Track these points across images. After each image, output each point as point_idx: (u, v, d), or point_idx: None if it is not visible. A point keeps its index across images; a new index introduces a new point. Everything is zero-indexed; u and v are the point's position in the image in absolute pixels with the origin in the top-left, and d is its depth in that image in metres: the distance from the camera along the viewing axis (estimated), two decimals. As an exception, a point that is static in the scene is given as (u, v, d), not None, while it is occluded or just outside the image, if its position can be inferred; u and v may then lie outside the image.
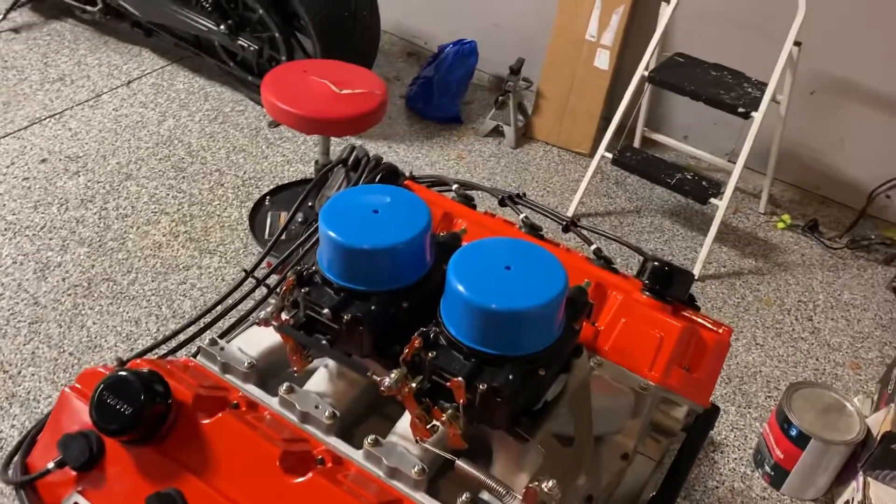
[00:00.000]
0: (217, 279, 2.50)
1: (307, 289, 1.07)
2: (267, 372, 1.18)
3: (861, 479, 1.94)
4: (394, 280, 1.07)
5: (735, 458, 2.16)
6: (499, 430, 1.02)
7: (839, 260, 2.96)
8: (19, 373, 2.12)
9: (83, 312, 2.33)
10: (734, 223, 3.09)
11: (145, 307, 2.38)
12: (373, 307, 1.04)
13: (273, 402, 1.11)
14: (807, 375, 2.43)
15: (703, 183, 2.81)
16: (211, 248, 2.63)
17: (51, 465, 0.98)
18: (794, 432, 1.98)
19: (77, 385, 1.06)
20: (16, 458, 1.04)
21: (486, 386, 0.94)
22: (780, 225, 3.08)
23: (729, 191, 2.71)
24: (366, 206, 1.08)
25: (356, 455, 1.05)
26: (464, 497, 0.98)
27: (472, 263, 1.00)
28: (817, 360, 2.51)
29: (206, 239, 2.67)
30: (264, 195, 2.83)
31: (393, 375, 0.98)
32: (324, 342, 1.07)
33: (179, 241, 2.64)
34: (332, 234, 1.04)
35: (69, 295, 2.38)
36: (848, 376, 2.46)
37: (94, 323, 2.30)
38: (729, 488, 2.08)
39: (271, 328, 1.15)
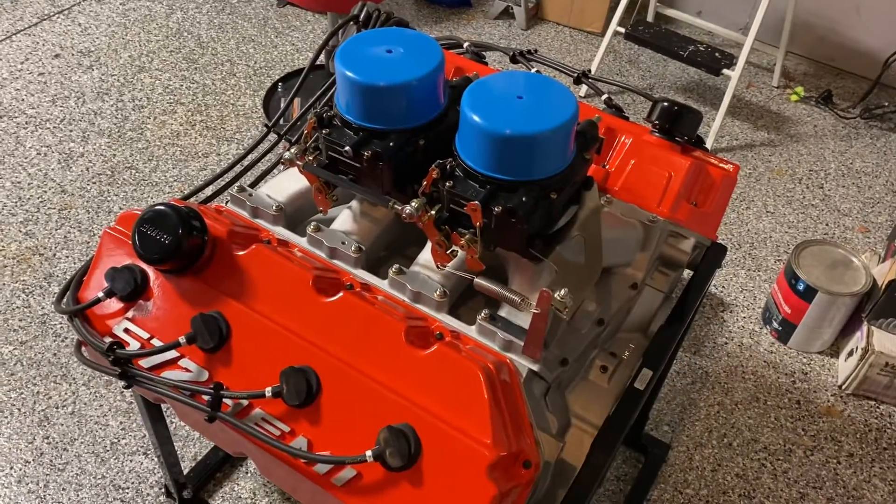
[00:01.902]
0: (236, 164, 2.55)
1: (327, 130, 1.12)
2: (294, 217, 1.24)
3: (865, 328, 2.02)
4: (410, 118, 1.11)
5: (744, 317, 2.24)
6: (514, 253, 1.09)
7: (852, 130, 2.95)
8: (54, 255, 2.22)
9: (109, 199, 2.40)
10: (747, 97, 3.08)
11: (168, 192, 2.44)
12: (391, 144, 1.09)
13: (302, 241, 1.18)
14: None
15: (716, 54, 2.78)
16: (228, 135, 2.68)
17: (100, 294, 1.06)
18: (801, 287, 2.04)
19: (117, 226, 1.13)
20: (68, 294, 1.12)
21: (501, 208, 1.00)
22: (794, 97, 3.07)
23: (741, 60, 2.70)
24: (380, 47, 1.11)
25: (382, 284, 1.12)
26: (483, 313, 1.06)
27: (485, 95, 1.04)
28: (827, 224, 2.55)
29: (222, 127, 2.71)
30: (276, 82, 2.84)
31: (413, 203, 1.04)
32: (347, 179, 1.13)
33: (196, 129, 2.68)
34: (348, 73, 1.08)
35: (94, 183, 2.45)
36: (857, 239, 2.51)
37: (121, 208, 2.37)
38: (738, 344, 2.17)
39: (296, 175, 1.21)
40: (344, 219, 1.20)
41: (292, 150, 1.13)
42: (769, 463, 1.90)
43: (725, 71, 2.72)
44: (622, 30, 2.87)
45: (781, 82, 3.14)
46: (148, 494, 1.72)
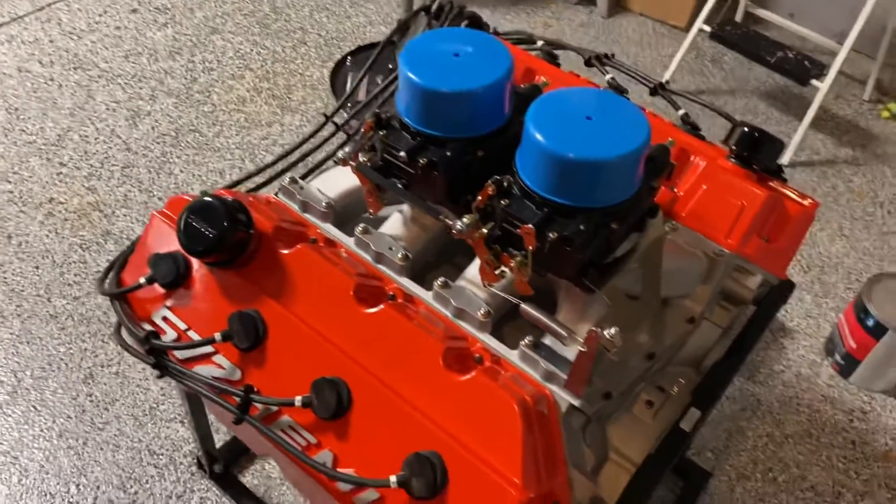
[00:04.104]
0: (298, 136, 2.54)
1: (384, 132, 1.08)
2: (344, 214, 1.21)
3: (935, 374, 1.90)
4: (471, 127, 1.06)
5: (805, 346, 2.14)
6: (565, 280, 1.03)
7: (946, 154, 2.77)
8: (113, 213, 2.25)
9: (171, 160, 2.42)
10: (834, 110, 2.91)
11: (229, 159, 2.45)
12: (448, 153, 1.04)
13: (349, 241, 1.14)
14: (894, 270, 2.34)
15: (806, 63, 2.63)
16: (293, 105, 2.66)
17: (142, 279, 1.05)
18: (870, 322, 1.93)
19: (165, 210, 1.11)
20: (111, 275, 1.11)
21: (556, 235, 0.94)
22: (885, 114, 2.89)
23: (833, 72, 2.54)
24: (447, 50, 1.06)
25: (425, 295, 1.08)
26: (526, 340, 1.01)
27: (552, 112, 0.98)
28: (906, 255, 2.41)
29: (287, 97, 2.69)
30: (346, 55, 2.81)
31: (465, 220, 0.99)
32: (399, 185, 1.09)
33: (262, 97, 2.68)
34: (411, 75, 1.03)
35: (158, 143, 2.47)
36: (937, 274, 2.36)
37: (182, 171, 2.39)
38: (795, 373, 2.07)
39: (349, 171, 1.17)
40: (393, 223, 1.16)
41: (346, 150, 1.09)
42: (815, 504, 1.81)
43: (814, 82, 2.57)
44: (708, 28, 2.74)
45: (874, 96, 2.96)
46: (181, 463, 1.74)
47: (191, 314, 1.05)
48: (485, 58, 1.06)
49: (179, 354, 1.04)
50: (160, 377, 1.03)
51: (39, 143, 2.43)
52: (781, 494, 1.82)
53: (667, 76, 2.86)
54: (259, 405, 0.98)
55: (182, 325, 1.05)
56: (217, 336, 0.99)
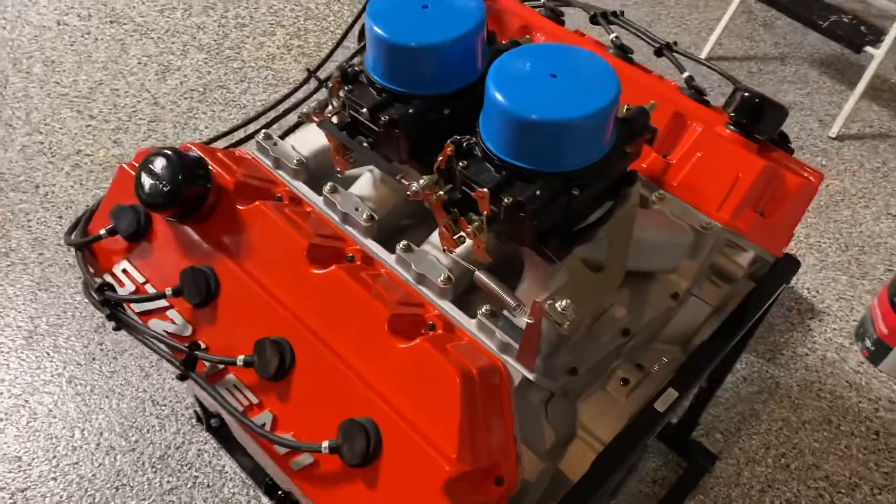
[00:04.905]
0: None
1: (350, 87, 1.04)
2: (319, 172, 1.18)
3: (972, 365, 1.77)
4: (438, 84, 1.01)
5: (834, 329, 2.03)
6: (528, 249, 0.98)
7: None
8: (136, 166, 2.28)
9: (197, 116, 2.43)
10: (893, 80, 2.72)
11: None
12: (411, 111, 1.00)
13: (318, 200, 1.12)
14: (940, 253, 2.20)
15: (862, 28, 2.46)
16: (322, 63, 2.63)
17: (103, 231, 1.05)
18: (903, 307, 1.81)
19: (133, 162, 1.10)
20: (80, 227, 1.11)
21: (510, 200, 0.89)
22: (951, 85, 2.69)
23: (889, 38, 2.36)
24: (416, 1, 1.01)
25: (388, 258, 1.05)
26: (484, 308, 0.97)
27: (515, 69, 0.93)
28: (957, 237, 2.25)
29: (318, 54, 2.67)
30: (378, 13, 2.76)
31: (422, 181, 0.95)
32: (364, 144, 1.05)
33: (292, 54, 2.66)
34: (375, 28, 0.99)
35: (186, 98, 2.48)
36: None
37: (206, 127, 2.40)
38: (821, 357, 1.97)
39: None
40: (363, 183, 1.12)
41: (311, 105, 1.06)
42: (828, 494, 1.72)
43: (868, 48, 2.39)
44: (758, -11, 2.58)
45: (940, 66, 2.76)
46: (182, 415, 1.77)
47: (149, 268, 1.05)
48: (455, 10, 1.00)
49: (134, 307, 1.03)
50: (116, 329, 1.03)
51: (72, 95, 2.47)
52: (792, 482, 1.74)
53: (712, 40, 2.72)
54: (206, 362, 0.97)
55: (140, 279, 1.04)
56: (168, 291, 0.98)
